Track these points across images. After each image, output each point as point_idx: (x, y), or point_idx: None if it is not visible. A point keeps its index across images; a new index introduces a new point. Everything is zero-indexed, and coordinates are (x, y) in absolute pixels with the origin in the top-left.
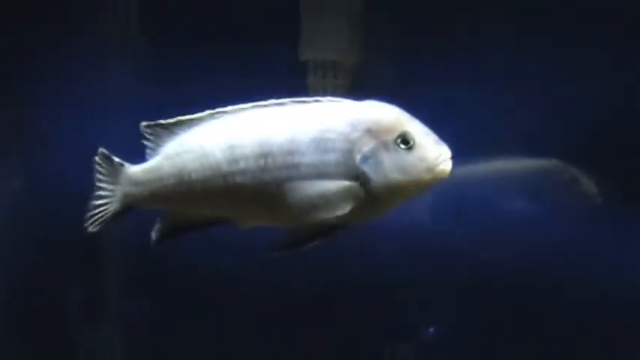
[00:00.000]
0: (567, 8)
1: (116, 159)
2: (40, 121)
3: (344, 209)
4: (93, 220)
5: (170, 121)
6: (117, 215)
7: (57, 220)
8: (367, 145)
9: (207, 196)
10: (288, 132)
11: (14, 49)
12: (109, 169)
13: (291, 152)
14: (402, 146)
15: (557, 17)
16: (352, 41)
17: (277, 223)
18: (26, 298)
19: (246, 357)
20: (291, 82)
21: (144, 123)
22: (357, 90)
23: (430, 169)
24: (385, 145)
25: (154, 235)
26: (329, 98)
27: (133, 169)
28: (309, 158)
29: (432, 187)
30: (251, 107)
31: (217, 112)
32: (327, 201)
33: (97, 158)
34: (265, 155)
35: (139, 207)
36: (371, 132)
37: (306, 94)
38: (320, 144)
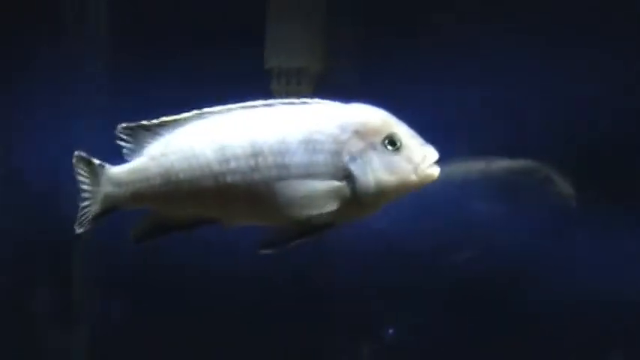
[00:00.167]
0: (538, 8)
1: (96, 161)
2: (8, 122)
3: (331, 209)
4: (77, 221)
5: (154, 121)
6: (98, 216)
7: (27, 220)
8: (355, 147)
9: (195, 196)
10: (279, 132)
11: None
12: (88, 170)
13: (281, 152)
14: (390, 148)
15: (528, 16)
16: (315, 49)
17: (264, 222)
18: None
19: (217, 356)
20: (256, 88)
21: (123, 124)
22: (321, 97)
23: (417, 171)
24: (373, 147)
25: (133, 233)
26: (316, 100)
27: (116, 170)
28: (298, 158)
29: (418, 188)
30: (239, 108)
31: (203, 113)
32: (315, 200)
33: (74, 161)
34: (256, 155)
35: (122, 208)
36: (359, 134)
37: None
38: (309, 145)
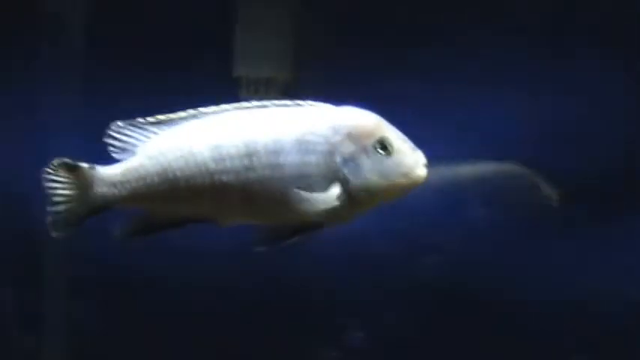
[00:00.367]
0: (512, 12)
1: (84, 164)
2: None
3: (321, 208)
4: (57, 224)
5: (149, 119)
6: (86, 218)
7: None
8: (348, 149)
9: (192, 195)
10: (273, 133)
11: None
12: (73, 174)
13: (275, 152)
14: (381, 151)
15: (504, 20)
16: (283, 59)
17: (258, 221)
18: None
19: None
20: (224, 97)
21: (117, 122)
22: None
23: (406, 174)
24: (365, 150)
25: (122, 232)
26: (309, 102)
27: (109, 170)
28: (292, 158)
29: (408, 191)
30: (233, 108)
31: (198, 113)
32: (308, 200)
33: (54, 166)
34: (251, 154)
35: (116, 207)
36: (351, 136)
37: None
38: (302, 145)
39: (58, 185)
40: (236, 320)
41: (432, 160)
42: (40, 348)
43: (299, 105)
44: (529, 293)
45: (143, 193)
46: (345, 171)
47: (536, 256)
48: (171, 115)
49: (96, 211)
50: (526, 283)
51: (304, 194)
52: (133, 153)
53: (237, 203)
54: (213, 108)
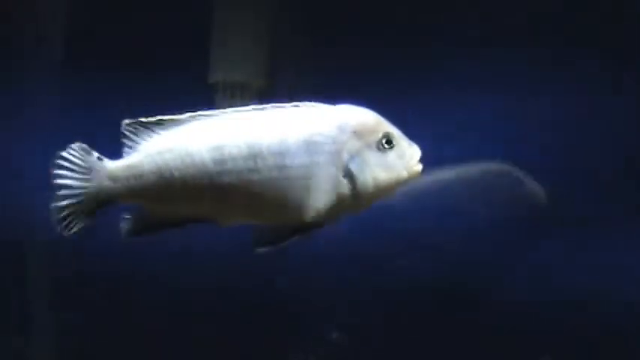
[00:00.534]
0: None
1: (95, 153)
2: None
3: (328, 206)
4: (64, 217)
5: (151, 119)
6: (91, 211)
7: None
8: (354, 146)
9: (189, 195)
10: (278, 134)
11: None
12: (84, 163)
13: (281, 154)
14: (386, 146)
15: (483, 22)
16: (259, 64)
17: (259, 221)
18: None
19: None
20: (201, 101)
21: (127, 120)
22: None
23: (408, 167)
24: (369, 146)
25: (124, 230)
26: (306, 103)
27: (113, 165)
28: (299, 159)
29: (406, 184)
30: (233, 111)
31: (201, 114)
32: (315, 199)
33: (67, 152)
34: (254, 156)
35: (115, 202)
36: (357, 134)
37: None
38: (310, 146)
39: (68, 173)
40: (222, 320)
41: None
42: (28, 348)
43: (299, 106)
44: (515, 293)
45: (139, 191)
46: (353, 167)
47: (522, 256)
48: (174, 116)
49: (100, 204)
50: (513, 282)
51: (311, 193)
52: (136, 151)
53: (239, 204)
54: (215, 110)
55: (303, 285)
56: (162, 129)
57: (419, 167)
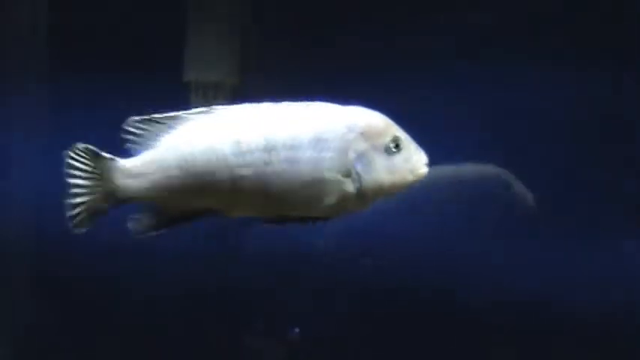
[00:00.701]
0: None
1: (105, 154)
2: None
3: (332, 201)
4: (77, 217)
5: (166, 115)
6: (105, 210)
7: None
8: (360, 146)
9: (210, 187)
10: (291, 130)
11: None
12: (95, 164)
13: (293, 147)
14: (394, 150)
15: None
16: (232, 64)
17: (267, 213)
18: None
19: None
20: (175, 100)
21: (134, 117)
22: None
23: (413, 171)
24: (376, 148)
25: (136, 226)
26: (317, 103)
27: (129, 163)
28: (309, 154)
29: (411, 187)
30: (250, 107)
31: (214, 110)
32: (320, 193)
33: (74, 153)
34: (270, 150)
35: (135, 199)
36: (364, 135)
37: None
38: (319, 142)
39: (79, 174)
40: (178, 316)
41: None
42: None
43: (311, 104)
44: (498, 293)
45: (163, 185)
46: (358, 167)
47: (508, 257)
48: (185, 112)
49: (116, 203)
50: (499, 283)
51: (318, 188)
52: (150, 147)
53: (252, 196)
54: (226, 106)
55: (262, 283)
56: (177, 124)
57: (424, 171)
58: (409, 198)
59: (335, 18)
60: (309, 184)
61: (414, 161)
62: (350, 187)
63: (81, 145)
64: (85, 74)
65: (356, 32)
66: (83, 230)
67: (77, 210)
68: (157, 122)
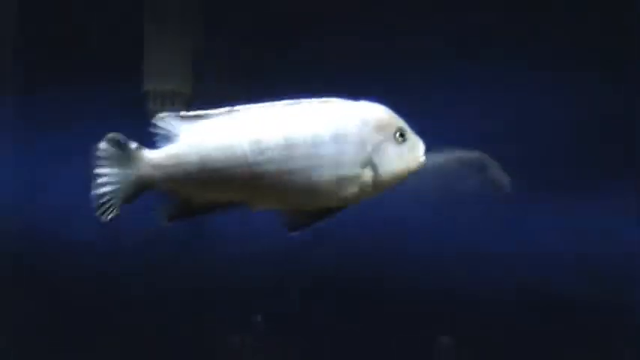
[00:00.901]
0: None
1: (133, 143)
2: None
3: (352, 193)
4: (103, 203)
5: (190, 113)
6: (130, 198)
7: None
8: (376, 139)
9: (228, 183)
10: (311, 126)
11: None
12: (122, 152)
13: (315, 144)
14: (400, 139)
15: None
16: (188, 72)
17: (290, 205)
18: None
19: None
20: (136, 109)
21: (162, 114)
22: None
23: (416, 159)
24: (387, 138)
25: (161, 216)
26: (329, 99)
27: (153, 154)
28: (329, 149)
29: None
30: (268, 106)
31: (236, 109)
32: (342, 185)
33: (104, 142)
34: (290, 147)
35: (155, 189)
36: (377, 127)
37: (147, 121)
38: (339, 137)
39: (106, 162)
40: (143, 309)
41: None
42: None
43: (326, 100)
44: (469, 274)
45: (180, 178)
46: (375, 158)
47: (480, 238)
48: (210, 111)
49: (139, 190)
50: (471, 265)
51: (339, 181)
52: (177, 141)
53: (273, 191)
54: (249, 105)
55: (224, 275)
56: (200, 122)
57: (423, 159)
58: None
59: (285, 25)
60: (330, 179)
61: (416, 149)
62: (368, 177)
63: (109, 135)
64: (49, 86)
65: (310, 38)
66: (110, 218)
67: (104, 199)
68: (183, 119)
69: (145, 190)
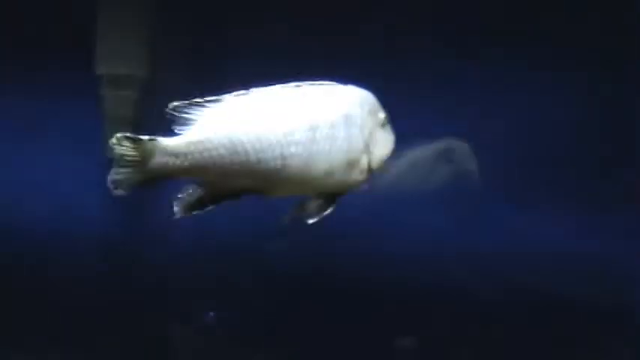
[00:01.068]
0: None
1: (145, 136)
2: None
3: (359, 178)
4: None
5: (206, 99)
6: (144, 184)
7: None
8: (370, 123)
9: (255, 166)
10: (326, 108)
11: None
12: (135, 146)
13: (333, 125)
14: (385, 125)
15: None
16: (142, 56)
17: (304, 192)
18: None
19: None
20: (89, 93)
21: (176, 102)
22: (150, 102)
23: (391, 144)
24: (377, 124)
25: (181, 205)
26: (320, 82)
27: (171, 142)
28: (343, 132)
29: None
30: (280, 87)
31: (248, 92)
32: (350, 170)
33: (116, 141)
34: (314, 128)
35: (175, 177)
36: (370, 112)
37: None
38: (348, 120)
39: (122, 153)
40: (96, 302)
41: None
42: None
43: (324, 84)
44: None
45: (206, 165)
46: (370, 143)
47: (446, 227)
48: (225, 95)
49: (155, 179)
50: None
51: (350, 164)
52: (196, 127)
53: (296, 175)
54: (261, 88)
55: (177, 271)
56: (217, 106)
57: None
58: None
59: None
60: (344, 162)
61: (391, 136)
62: (365, 162)
63: (120, 135)
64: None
65: (260, 25)
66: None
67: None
68: (198, 105)
69: (163, 179)
